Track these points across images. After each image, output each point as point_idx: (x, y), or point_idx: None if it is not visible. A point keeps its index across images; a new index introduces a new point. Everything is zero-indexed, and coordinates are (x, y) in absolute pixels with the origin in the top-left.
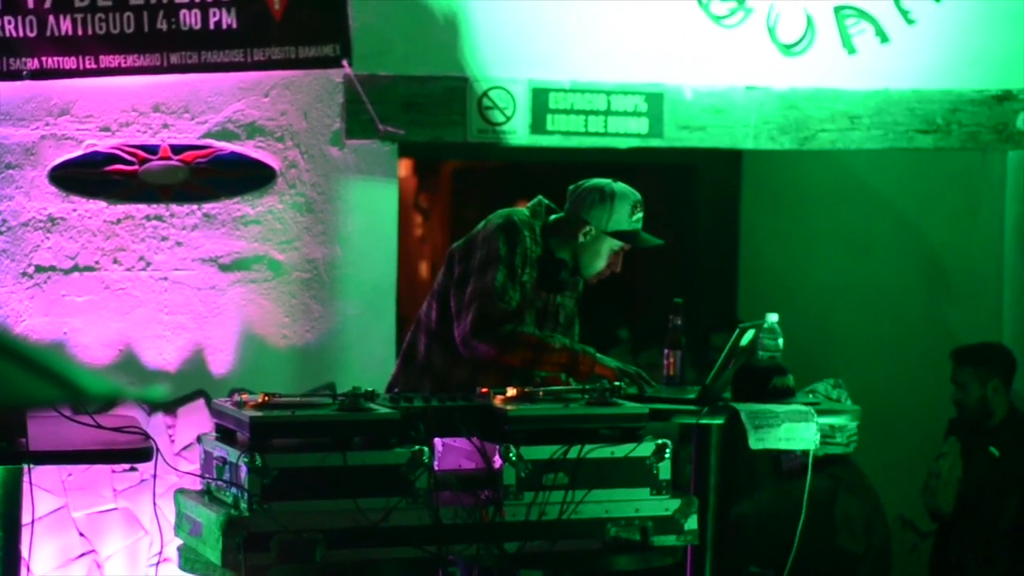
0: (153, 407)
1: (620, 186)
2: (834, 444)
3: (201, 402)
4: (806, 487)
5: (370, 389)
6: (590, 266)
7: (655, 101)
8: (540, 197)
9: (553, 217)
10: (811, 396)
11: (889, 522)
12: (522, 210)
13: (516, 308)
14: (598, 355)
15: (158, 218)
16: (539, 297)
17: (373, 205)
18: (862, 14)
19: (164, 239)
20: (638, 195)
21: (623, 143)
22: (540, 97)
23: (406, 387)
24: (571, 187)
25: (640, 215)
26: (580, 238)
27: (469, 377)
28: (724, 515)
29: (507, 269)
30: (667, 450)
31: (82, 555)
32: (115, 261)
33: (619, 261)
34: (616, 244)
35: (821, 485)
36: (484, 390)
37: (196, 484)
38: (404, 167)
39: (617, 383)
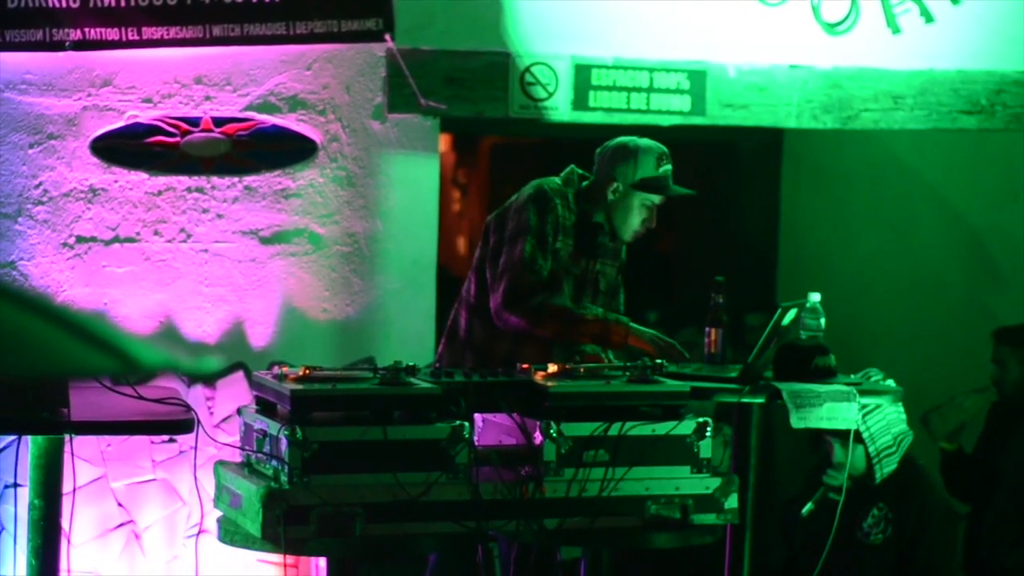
0: (194, 379)
1: (644, 140)
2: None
3: (240, 374)
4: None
5: (411, 363)
6: (624, 224)
7: (698, 79)
8: (572, 166)
9: (585, 183)
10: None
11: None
12: (554, 179)
13: (548, 278)
14: (632, 325)
15: (199, 190)
16: (577, 264)
17: (414, 180)
18: None
19: (205, 211)
20: (663, 147)
21: (665, 120)
22: (583, 73)
23: (450, 364)
24: (597, 150)
25: (667, 166)
26: (610, 196)
27: (510, 350)
28: (764, 494)
29: (537, 239)
30: (708, 428)
31: (120, 525)
32: (156, 233)
33: (653, 216)
34: (646, 198)
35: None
36: (525, 366)
37: (236, 456)
38: (444, 142)
39: (652, 356)
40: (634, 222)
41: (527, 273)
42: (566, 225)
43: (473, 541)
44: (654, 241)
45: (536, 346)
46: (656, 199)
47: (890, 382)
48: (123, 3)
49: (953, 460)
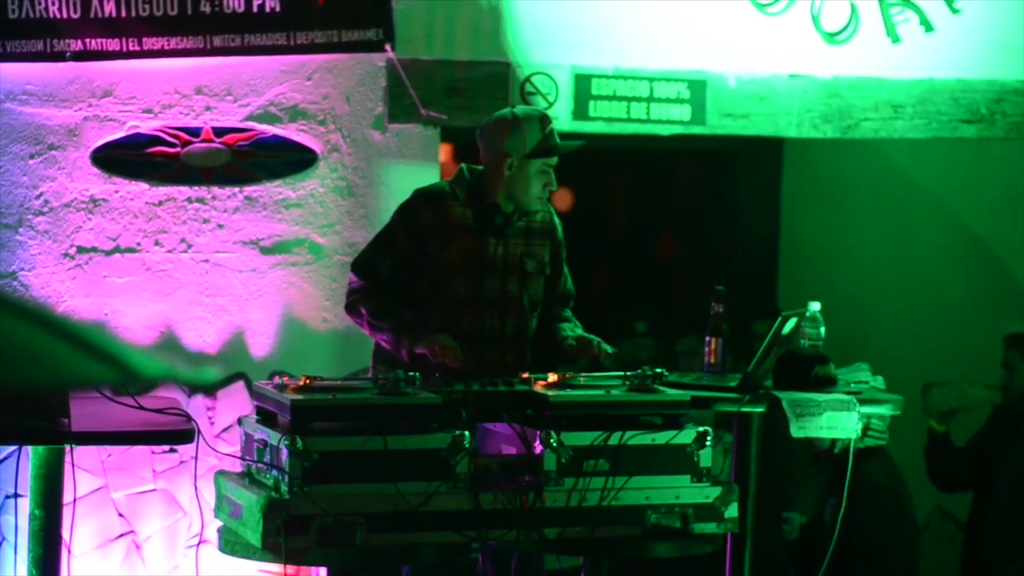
0: (195, 389)
1: (520, 108)
2: (876, 436)
3: (241, 384)
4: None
5: (412, 373)
6: (525, 194)
7: (698, 88)
8: (463, 165)
9: (480, 169)
10: (855, 382)
11: (928, 511)
12: (440, 182)
13: (379, 281)
14: (420, 335)
15: (200, 200)
16: (492, 253)
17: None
18: (907, 3)
19: (206, 221)
20: (541, 111)
21: (665, 130)
22: (583, 83)
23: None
24: (477, 131)
25: (551, 126)
26: (506, 172)
27: (412, 358)
28: (764, 504)
29: (381, 242)
30: (708, 438)
31: (121, 535)
32: (156, 243)
33: (552, 178)
34: (541, 163)
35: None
36: (525, 375)
37: (236, 466)
38: (444, 152)
39: (434, 358)
40: (535, 189)
41: (353, 273)
42: (453, 224)
43: (473, 551)
44: (655, 249)
45: (425, 360)
46: (552, 161)
47: (879, 379)
48: (124, 14)
49: (939, 443)
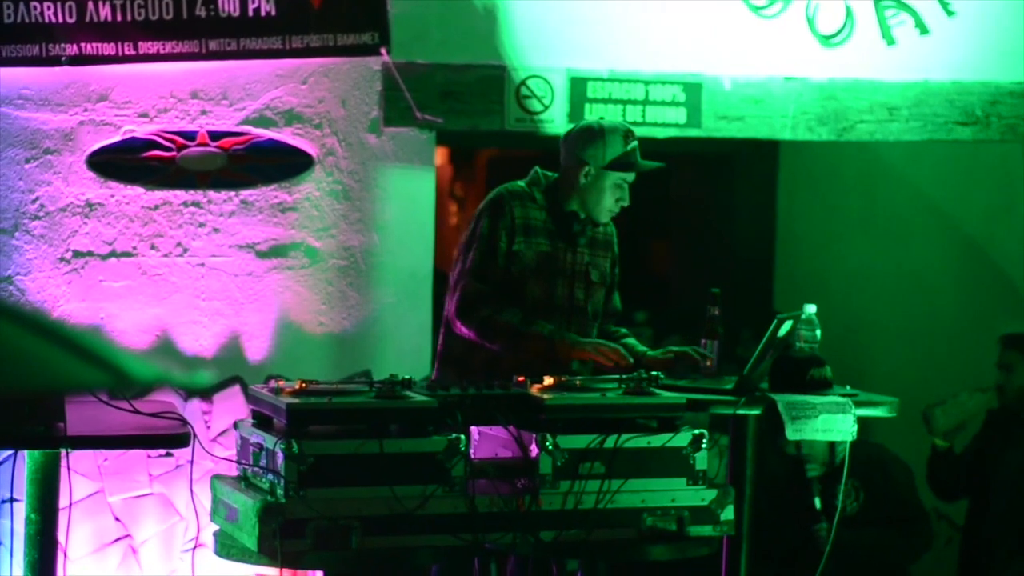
0: (191, 393)
1: (607, 120)
2: None
3: (237, 388)
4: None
5: (407, 376)
6: (597, 205)
7: (693, 91)
8: (536, 167)
9: (555, 176)
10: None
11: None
12: (518, 182)
13: (500, 286)
14: (575, 339)
15: (195, 204)
16: (560, 260)
17: (410, 193)
18: (902, 5)
19: (201, 225)
20: (627, 125)
21: (661, 133)
22: (578, 86)
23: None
24: (561, 137)
25: (634, 143)
26: (582, 180)
27: (487, 364)
28: (760, 506)
29: (487, 247)
30: (704, 440)
31: (117, 540)
32: (152, 247)
33: (626, 194)
34: (619, 177)
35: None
36: (521, 378)
37: (232, 470)
38: (440, 155)
39: (601, 365)
40: (608, 202)
41: (476, 283)
42: (533, 225)
43: (470, 554)
44: (651, 252)
45: (512, 361)
46: (630, 177)
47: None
48: (119, 18)
49: (942, 457)
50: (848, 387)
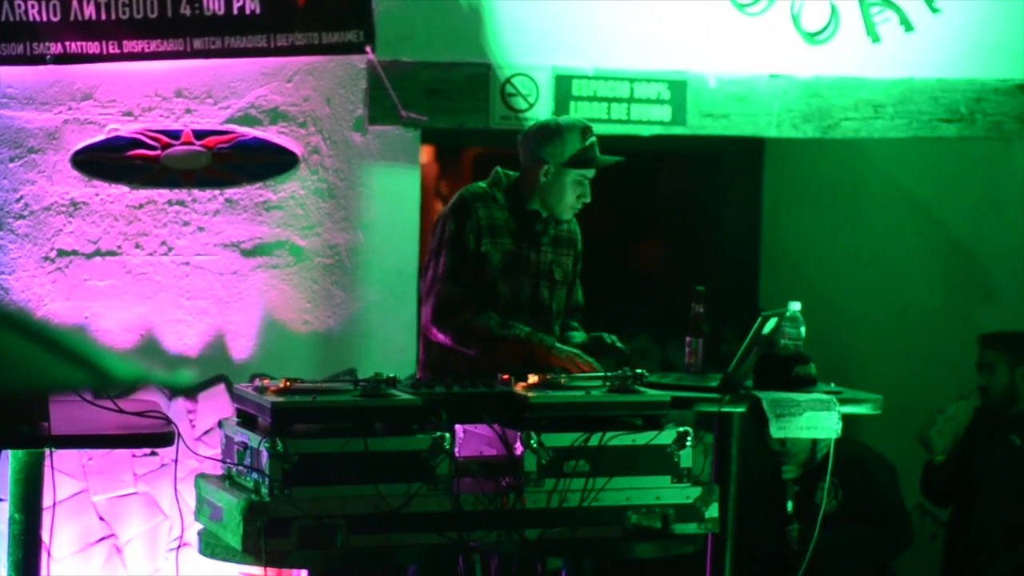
0: (176, 392)
1: (564, 117)
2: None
3: (222, 387)
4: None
5: (392, 375)
6: (559, 203)
7: (678, 89)
8: (498, 168)
9: (516, 175)
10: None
11: (908, 509)
12: (479, 183)
13: (474, 289)
14: (556, 345)
15: (180, 203)
16: (523, 260)
17: (395, 191)
18: (887, 3)
19: (186, 224)
20: (584, 121)
21: (646, 130)
22: (563, 84)
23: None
24: (519, 136)
25: (592, 138)
26: (542, 178)
27: (465, 370)
28: (745, 504)
29: (456, 250)
30: (688, 438)
31: (102, 539)
32: (137, 246)
33: (587, 190)
34: (579, 173)
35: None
36: (505, 376)
37: (217, 469)
38: (425, 153)
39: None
40: (569, 199)
41: (451, 286)
42: (496, 225)
43: (454, 552)
44: (635, 250)
45: (491, 363)
46: (590, 173)
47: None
48: (104, 17)
49: (937, 469)
50: (832, 384)
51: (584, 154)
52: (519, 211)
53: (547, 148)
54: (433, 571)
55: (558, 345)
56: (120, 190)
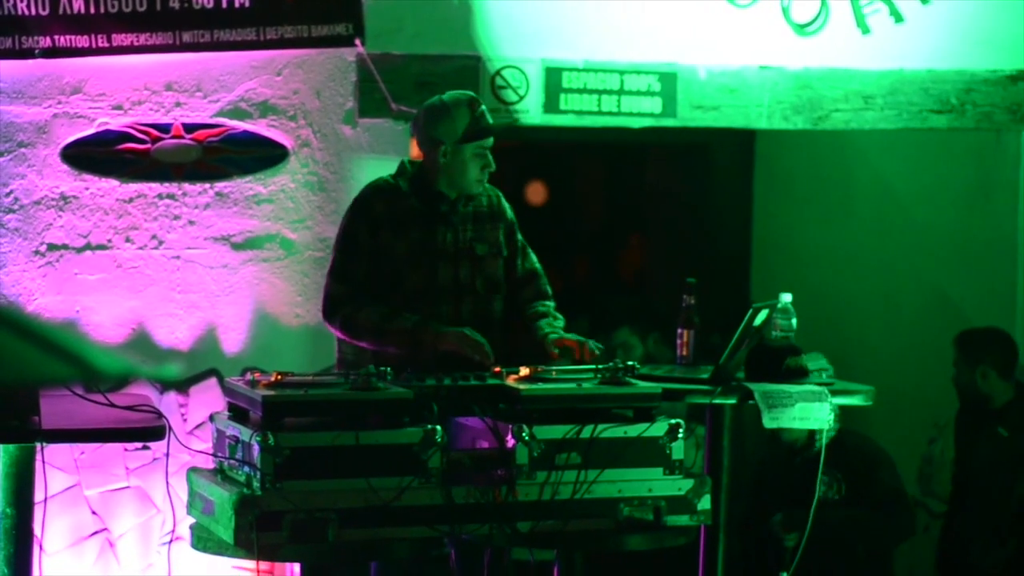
0: (167, 386)
1: (448, 94)
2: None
3: (213, 381)
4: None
5: (383, 368)
6: (464, 178)
7: (668, 80)
8: (404, 159)
9: (419, 162)
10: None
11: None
12: (383, 176)
13: (360, 285)
14: (443, 329)
15: (170, 197)
16: (442, 241)
17: None
18: None
19: (176, 218)
20: (470, 93)
21: (636, 122)
22: (553, 76)
23: None
24: (411, 123)
25: (482, 108)
26: (441, 159)
27: (376, 363)
28: (737, 495)
29: (346, 245)
30: (680, 430)
31: (94, 533)
32: (127, 240)
33: (490, 159)
34: (475, 146)
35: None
36: (497, 369)
37: (208, 463)
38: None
39: (463, 357)
40: (473, 173)
41: (335, 283)
42: (399, 216)
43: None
44: (626, 242)
45: (383, 354)
46: (488, 142)
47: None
48: (93, 10)
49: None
50: (824, 375)
51: (476, 125)
52: (426, 195)
53: (439, 128)
54: (423, 566)
55: (444, 328)
56: (110, 184)
